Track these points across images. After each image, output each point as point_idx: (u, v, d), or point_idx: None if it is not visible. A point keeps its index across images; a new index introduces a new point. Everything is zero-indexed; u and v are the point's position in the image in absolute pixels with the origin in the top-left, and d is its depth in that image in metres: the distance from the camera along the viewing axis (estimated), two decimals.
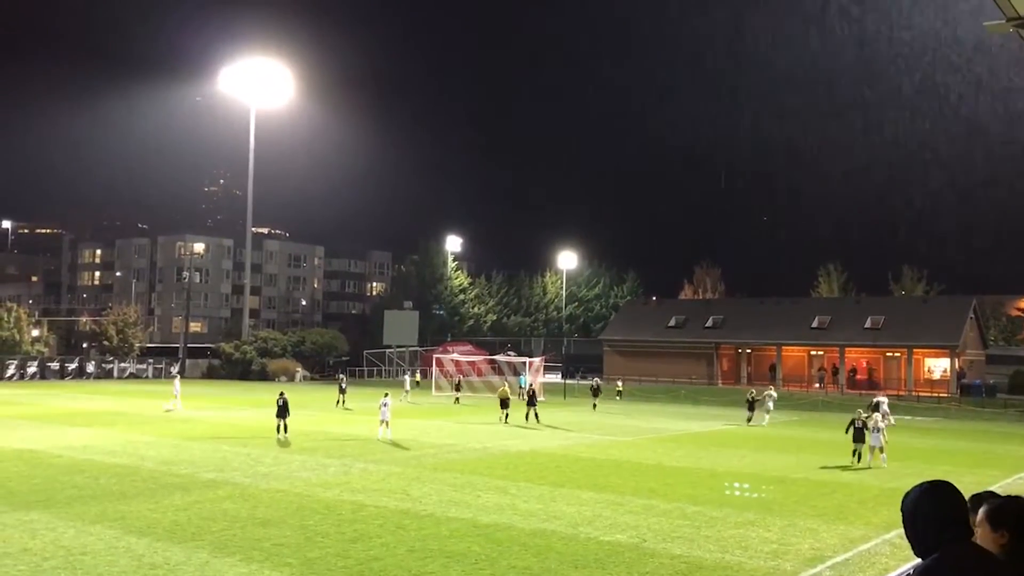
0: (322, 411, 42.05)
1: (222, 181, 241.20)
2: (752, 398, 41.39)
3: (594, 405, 48.04)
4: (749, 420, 40.40)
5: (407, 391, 52.32)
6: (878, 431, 25.66)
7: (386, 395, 31.41)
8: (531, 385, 45.77)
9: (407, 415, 40.15)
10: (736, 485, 21.36)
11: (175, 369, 78.84)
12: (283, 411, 30.52)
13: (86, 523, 15.31)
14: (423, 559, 13.22)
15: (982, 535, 3.64)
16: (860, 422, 26.25)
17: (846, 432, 26.76)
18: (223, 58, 77.05)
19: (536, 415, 38.79)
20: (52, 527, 14.91)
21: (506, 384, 44.16)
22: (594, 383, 52.20)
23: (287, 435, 29.95)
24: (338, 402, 45.56)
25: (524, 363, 62.63)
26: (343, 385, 47.05)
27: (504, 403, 39.18)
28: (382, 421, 29.99)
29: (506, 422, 37.40)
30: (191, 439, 28.97)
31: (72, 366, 73.52)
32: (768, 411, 40.92)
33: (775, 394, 42.98)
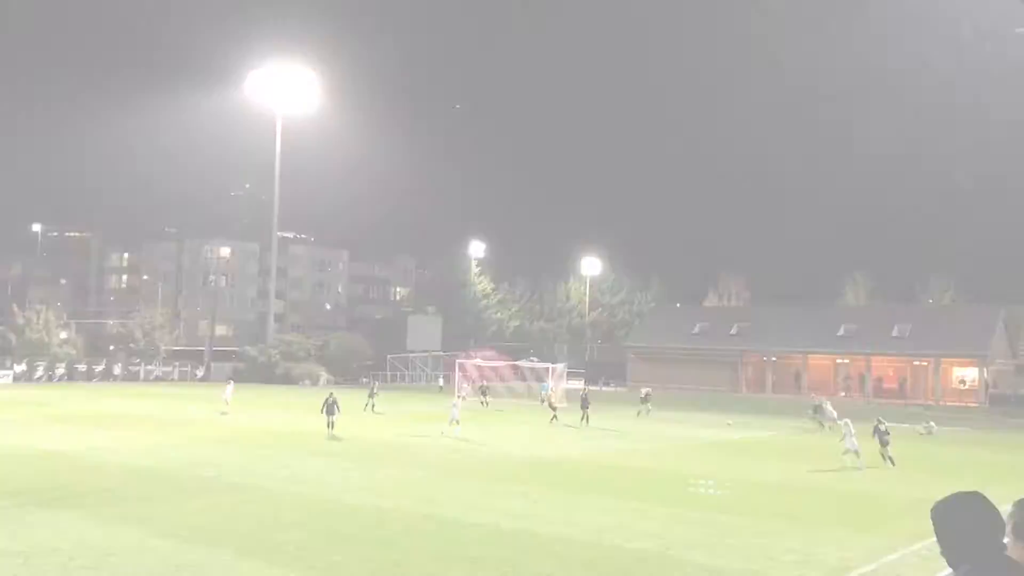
0: (348, 414, 42.14)
1: (248, 186, 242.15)
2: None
3: (638, 412, 48.25)
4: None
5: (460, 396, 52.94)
6: (851, 434, 26.57)
7: (458, 396, 34.79)
8: (585, 390, 46.25)
9: (434, 420, 40.18)
10: (702, 483, 21.96)
11: (199, 372, 79.64)
12: (332, 409, 32.52)
13: (113, 524, 15.47)
14: (446, 564, 13.24)
15: (1014, 547, 3.59)
16: (884, 427, 27.24)
17: (872, 436, 27.28)
18: (251, 63, 77.41)
19: (553, 417, 40.47)
20: (79, 527, 15.08)
21: (552, 390, 46.05)
22: (643, 393, 52.50)
23: (334, 431, 31.85)
24: (367, 406, 45.75)
25: (547, 369, 62.58)
26: (374, 389, 47.75)
27: (552, 405, 42.35)
28: (453, 420, 32.50)
29: (558, 420, 40.20)
30: (216, 442, 29.22)
31: (99, 368, 74.15)
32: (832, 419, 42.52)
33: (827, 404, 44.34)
